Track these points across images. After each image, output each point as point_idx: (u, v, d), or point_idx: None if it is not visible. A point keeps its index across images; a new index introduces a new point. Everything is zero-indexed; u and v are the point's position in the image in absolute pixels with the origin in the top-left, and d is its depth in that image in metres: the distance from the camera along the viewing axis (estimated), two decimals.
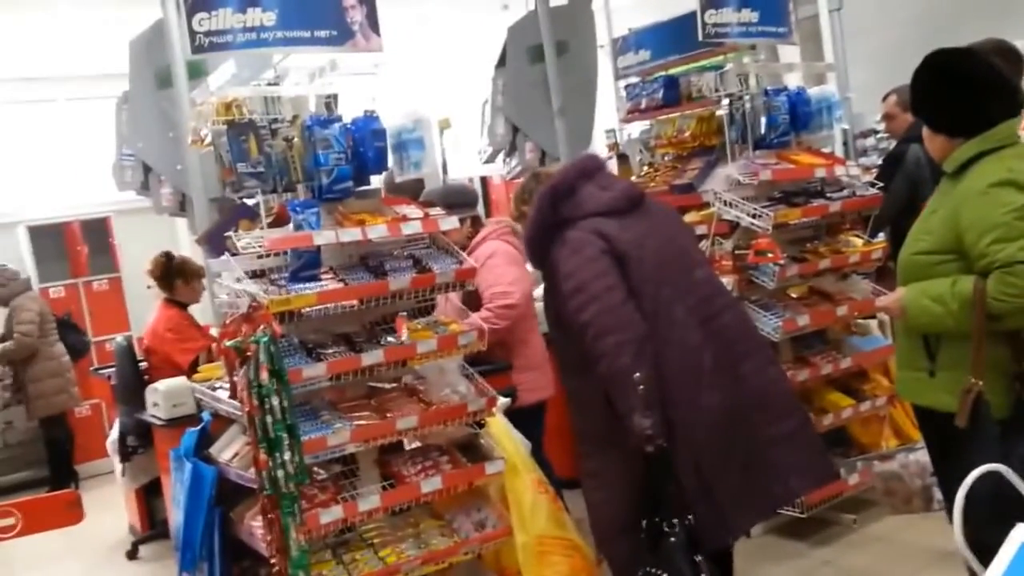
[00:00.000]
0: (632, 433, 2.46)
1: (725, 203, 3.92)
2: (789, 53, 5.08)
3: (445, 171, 4.34)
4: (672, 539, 2.40)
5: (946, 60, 2.57)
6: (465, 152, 5.73)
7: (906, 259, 2.58)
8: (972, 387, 2.32)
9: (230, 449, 3.01)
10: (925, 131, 2.60)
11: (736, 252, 3.92)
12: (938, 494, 2.75)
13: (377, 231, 2.94)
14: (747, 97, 4.03)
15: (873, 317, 4.42)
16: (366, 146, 3.00)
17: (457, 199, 3.89)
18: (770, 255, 3.80)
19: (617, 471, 2.60)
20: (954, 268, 2.41)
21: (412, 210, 3.08)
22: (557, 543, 3.01)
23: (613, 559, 2.70)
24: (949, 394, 2.39)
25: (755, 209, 3.85)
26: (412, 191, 3.80)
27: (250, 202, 3.13)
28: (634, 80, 4.62)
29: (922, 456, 2.76)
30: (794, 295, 4.08)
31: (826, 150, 4.55)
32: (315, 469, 2.84)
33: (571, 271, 2.59)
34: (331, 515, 2.73)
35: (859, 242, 4.24)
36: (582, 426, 2.74)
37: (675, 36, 4.36)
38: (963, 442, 2.32)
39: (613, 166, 4.78)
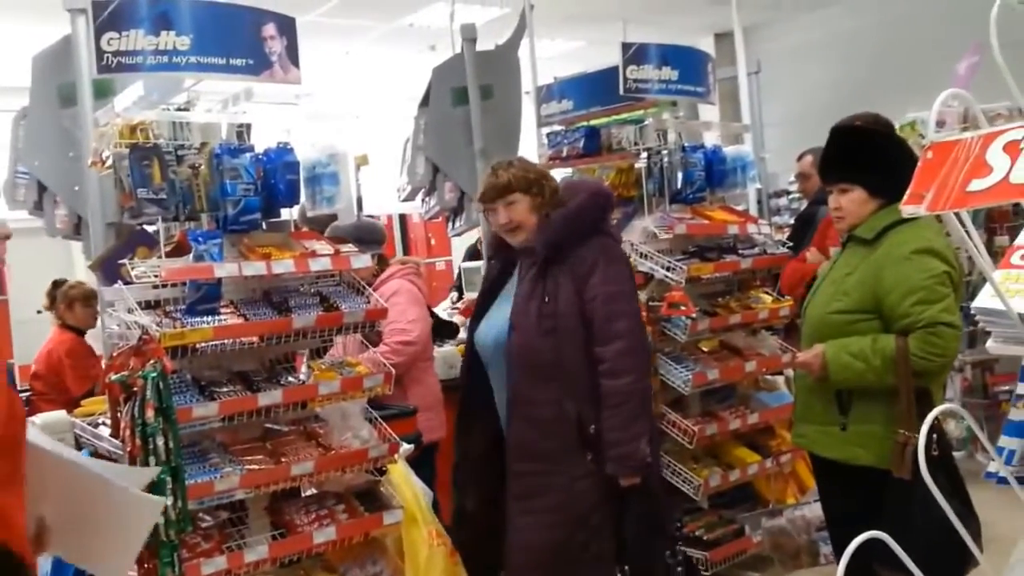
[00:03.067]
0: (628, 458, 2.56)
1: (641, 255, 3.94)
2: (708, 112, 5.19)
3: (360, 207, 4.25)
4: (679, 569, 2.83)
5: (873, 128, 2.83)
6: (382, 189, 5.66)
7: (821, 317, 2.68)
8: (907, 439, 2.38)
9: None
10: (852, 196, 2.69)
11: (650, 304, 3.93)
12: (824, 548, 2.79)
13: (283, 266, 2.83)
14: (665, 152, 4.08)
15: (780, 373, 4.48)
16: (277, 178, 2.90)
17: (368, 235, 3.92)
18: (683, 308, 3.82)
19: (559, 493, 2.62)
20: (871, 327, 2.56)
21: (322, 246, 2.98)
22: None
23: None
24: (862, 448, 2.51)
25: (669, 262, 3.87)
26: (325, 226, 3.71)
27: (150, 229, 2.99)
28: (556, 128, 4.64)
29: (809, 512, 2.80)
30: (705, 349, 4.11)
31: (740, 208, 4.64)
32: (200, 515, 2.68)
33: (616, 277, 2.69)
34: (214, 566, 2.56)
35: (768, 299, 4.30)
36: (533, 442, 2.69)
37: (598, 88, 4.42)
38: (903, 493, 2.36)
39: None
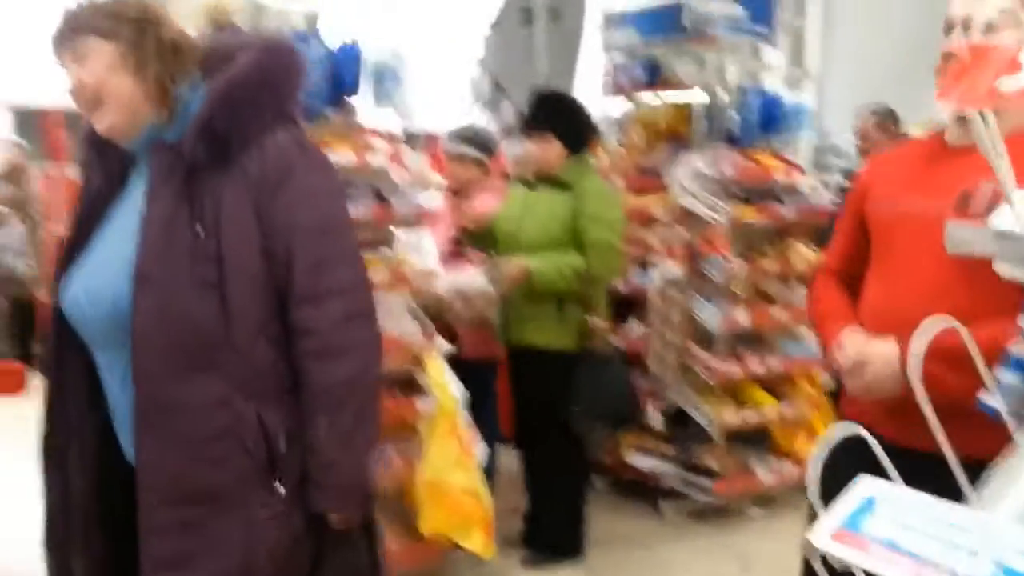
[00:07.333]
0: (350, 487, 1.60)
1: (686, 192, 4.00)
2: (771, 56, 5.15)
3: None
4: None
5: (569, 96, 3.76)
6: (437, 98, 5.68)
7: (534, 240, 3.36)
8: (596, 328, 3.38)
9: None
10: (549, 146, 3.40)
11: (689, 242, 4.01)
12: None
13: (342, 157, 2.94)
14: (722, 92, 4.10)
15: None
16: (344, 70, 2.99)
17: (481, 141, 3.91)
18: (721, 249, 3.90)
19: (230, 553, 1.55)
20: (569, 244, 3.32)
21: (380, 142, 3.09)
22: (454, 488, 3.02)
23: None
24: (569, 336, 3.36)
25: (713, 202, 3.93)
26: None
27: None
28: (618, 58, 4.65)
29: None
30: (738, 292, 4.18)
31: (790, 157, 4.65)
32: None
33: (323, 192, 1.62)
34: None
35: (807, 252, 4.35)
36: (185, 473, 1.55)
37: (663, 21, 4.39)
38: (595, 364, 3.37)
39: None
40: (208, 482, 1.54)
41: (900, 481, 1.04)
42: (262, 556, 1.55)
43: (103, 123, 1.56)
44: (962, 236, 1.13)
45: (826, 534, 0.90)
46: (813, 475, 0.98)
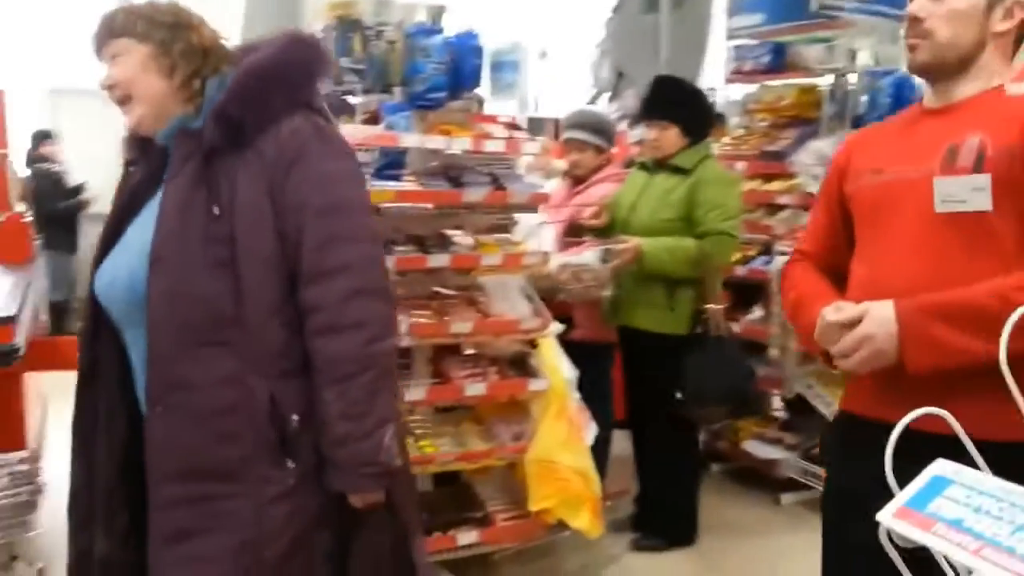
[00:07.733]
0: (364, 462, 1.58)
1: (812, 177, 3.92)
2: None
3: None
4: None
5: (689, 83, 3.74)
6: (560, 85, 5.74)
7: (650, 224, 3.41)
8: (716, 309, 3.36)
9: None
10: (670, 132, 3.44)
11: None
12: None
13: (461, 144, 3.07)
14: (851, 75, 3.99)
15: None
16: (463, 61, 3.10)
17: (601, 128, 3.90)
18: None
19: (238, 530, 1.58)
20: (683, 229, 3.36)
21: (498, 129, 3.19)
22: (562, 467, 3.05)
23: None
24: (675, 321, 3.37)
25: None
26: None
27: (351, 100, 3.29)
28: (744, 42, 4.58)
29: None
30: None
31: None
32: None
33: (336, 175, 1.64)
34: None
35: None
36: (192, 449, 1.59)
37: (790, 4, 4.30)
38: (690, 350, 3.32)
39: None
40: (218, 458, 1.58)
41: (985, 468, 1.05)
42: (271, 534, 1.57)
43: (131, 117, 1.68)
44: (951, 191, 1.12)
45: (889, 512, 0.93)
46: (889, 457, 1.01)
